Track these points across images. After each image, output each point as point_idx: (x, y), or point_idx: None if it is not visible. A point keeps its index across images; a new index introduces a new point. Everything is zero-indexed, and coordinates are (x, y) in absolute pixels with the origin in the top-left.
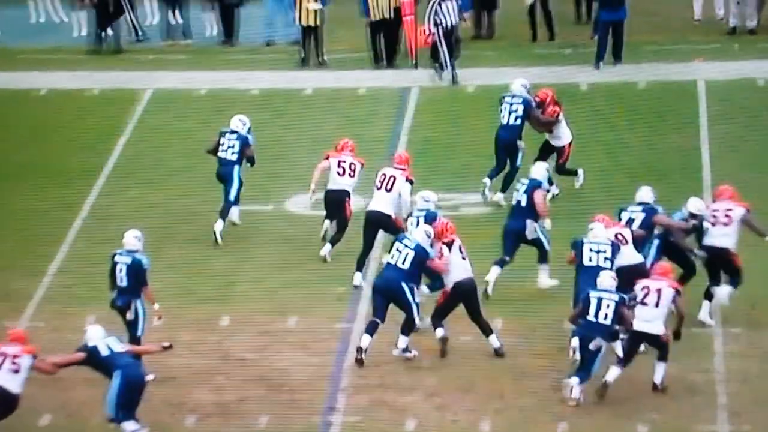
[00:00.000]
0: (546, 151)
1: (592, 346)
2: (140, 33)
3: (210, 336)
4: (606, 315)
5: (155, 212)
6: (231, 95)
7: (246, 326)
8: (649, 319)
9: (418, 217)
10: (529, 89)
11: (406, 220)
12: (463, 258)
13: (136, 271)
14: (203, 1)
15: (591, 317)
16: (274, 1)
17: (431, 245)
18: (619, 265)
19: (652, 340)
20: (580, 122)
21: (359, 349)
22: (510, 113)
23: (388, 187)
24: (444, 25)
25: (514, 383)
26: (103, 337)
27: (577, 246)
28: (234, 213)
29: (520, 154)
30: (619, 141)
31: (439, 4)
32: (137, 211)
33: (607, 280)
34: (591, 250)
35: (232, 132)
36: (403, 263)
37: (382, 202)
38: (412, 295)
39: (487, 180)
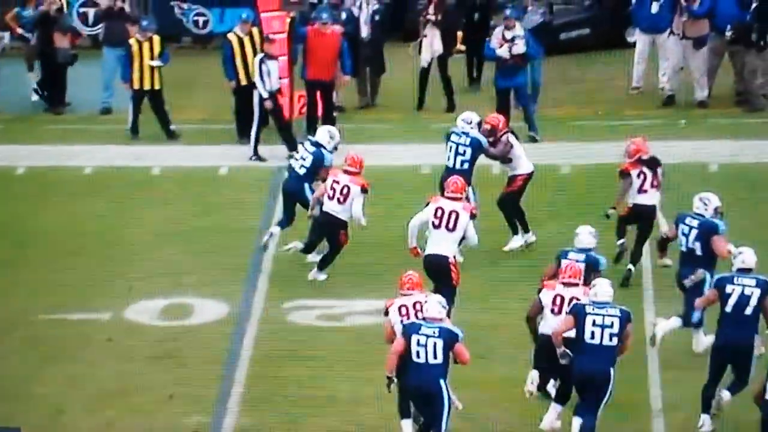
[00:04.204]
0: None
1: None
2: None
3: None
4: None
5: None
6: (57, 174)
7: None
8: None
9: (577, 261)
10: (480, 123)
11: None
12: None
13: None
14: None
15: None
16: (113, 59)
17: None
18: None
19: None
20: (490, 212)
21: None
22: (457, 155)
23: (451, 225)
24: (268, 89)
25: None
26: None
27: (579, 314)
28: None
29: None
30: (535, 235)
31: (262, 64)
32: None
33: None
34: (595, 323)
35: (313, 144)
36: (434, 357)
37: (445, 244)
38: (448, 393)
39: None
